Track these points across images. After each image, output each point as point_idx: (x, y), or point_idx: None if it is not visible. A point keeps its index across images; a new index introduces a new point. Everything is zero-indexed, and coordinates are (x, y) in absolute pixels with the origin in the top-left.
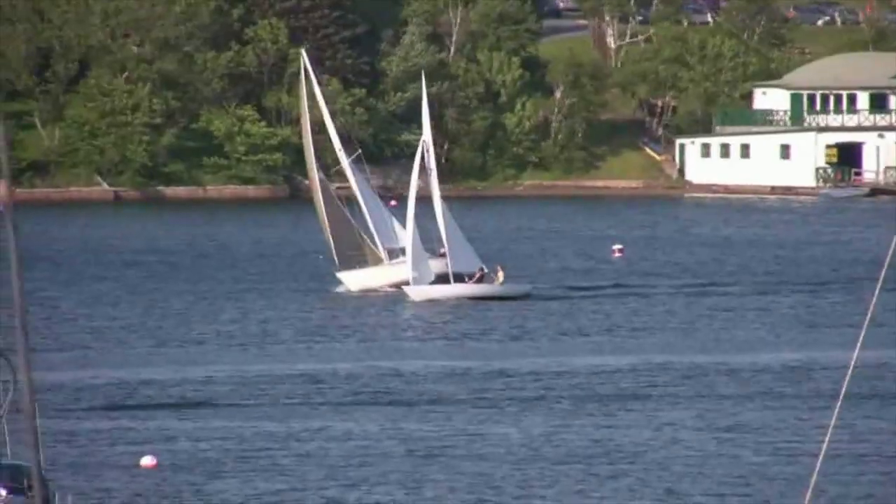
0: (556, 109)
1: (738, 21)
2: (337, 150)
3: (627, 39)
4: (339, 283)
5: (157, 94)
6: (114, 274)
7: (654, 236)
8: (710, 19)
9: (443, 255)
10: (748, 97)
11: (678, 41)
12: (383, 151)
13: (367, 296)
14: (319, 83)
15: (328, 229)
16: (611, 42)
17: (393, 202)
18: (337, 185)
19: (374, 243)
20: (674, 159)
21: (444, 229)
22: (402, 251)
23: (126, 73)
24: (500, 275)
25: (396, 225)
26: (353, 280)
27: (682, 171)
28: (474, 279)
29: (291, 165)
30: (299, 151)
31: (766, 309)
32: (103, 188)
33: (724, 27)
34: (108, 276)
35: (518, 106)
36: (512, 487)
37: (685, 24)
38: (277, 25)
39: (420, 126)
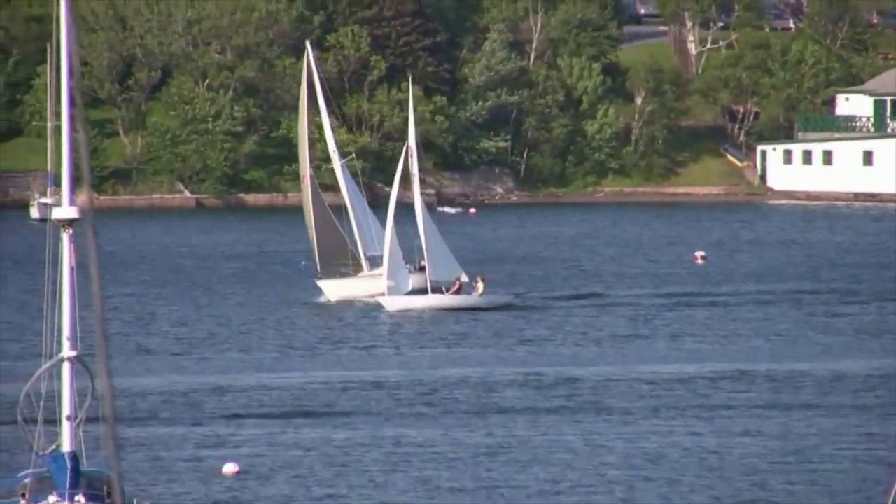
0: (636, 116)
1: (820, 26)
2: (331, 151)
3: (709, 45)
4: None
5: (239, 102)
6: (193, 280)
7: (736, 243)
8: (792, 25)
9: (422, 269)
10: (830, 103)
11: (760, 47)
12: (463, 159)
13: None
14: (321, 81)
15: (314, 232)
16: (692, 48)
17: (472, 210)
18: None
19: (357, 250)
20: (755, 166)
21: (425, 236)
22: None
23: (207, 81)
24: (480, 286)
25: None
26: (333, 289)
27: (763, 178)
28: (452, 290)
29: (371, 172)
30: (379, 158)
31: (847, 316)
32: (185, 195)
33: (806, 33)
34: (186, 282)
35: (599, 112)
36: (579, 494)
37: (767, 29)
38: (360, 33)
39: (499, 133)
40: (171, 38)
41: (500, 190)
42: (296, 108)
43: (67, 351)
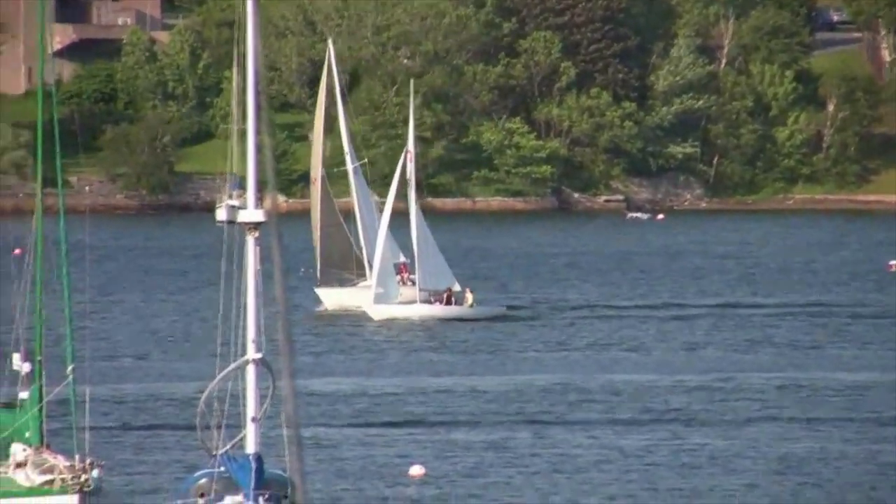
0: (828, 123)
1: None
2: (345, 152)
3: None
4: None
5: (428, 107)
6: None
7: None
8: None
9: (412, 282)
10: None
11: None
12: (650, 165)
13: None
14: (340, 80)
15: (318, 238)
16: (885, 55)
17: (660, 216)
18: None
19: (362, 257)
20: None
21: (417, 244)
22: (393, 266)
23: (396, 86)
24: (470, 297)
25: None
26: (331, 298)
27: None
28: (443, 300)
29: (559, 178)
30: (568, 163)
31: None
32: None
33: None
34: None
35: (790, 119)
36: (715, 499)
37: None
38: (551, 39)
39: (686, 139)
40: (361, 42)
41: (688, 196)
42: (484, 114)
43: (252, 353)
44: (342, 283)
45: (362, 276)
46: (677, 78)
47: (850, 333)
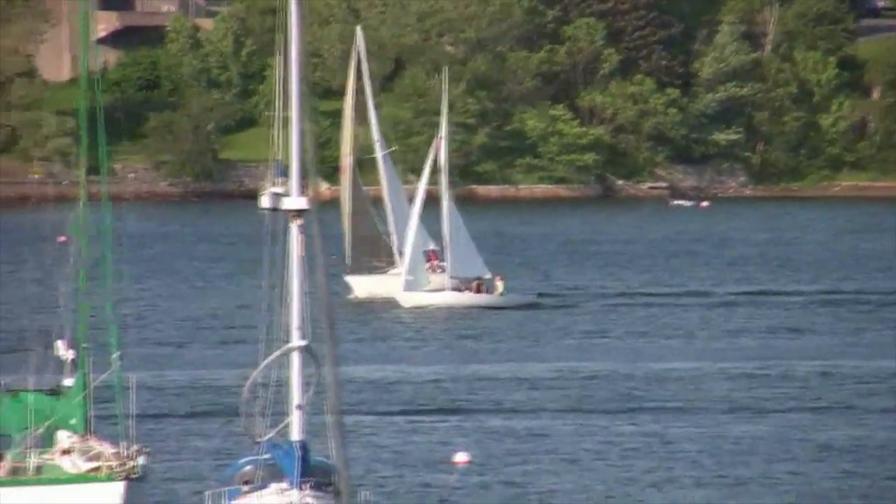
0: (873, 110)
1: None
2: (374, 140)
3: None
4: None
5: (471, 94)
6: None
7: None
8: None
9: (442, 269)
10: None
11: None
12: (694, 152)
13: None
14: (368, 69)
15: (347, 223)
16: None
17: (704, 203)
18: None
19: (391, 245)
20: None
21: (449, 232)
22: (423, 253)
23: (439, 73)
24: (500, 284)
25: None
26: (361, 286)
27: None
28: (473, 288)
29: (603, 165)
30: (612, 150)
31: None
32: (415, 186)
33: None
34: None
35: (834, 106)
36: (756, 486)
37: None
38: (595, 26)
39: (730, 126)
40: (404, 30)
41: (733, 184)
42: (527, 101)
43: (296, 340)
44: (371, 270)
45: (392, 263)
46: (721, 65)
47: (894, 321)
